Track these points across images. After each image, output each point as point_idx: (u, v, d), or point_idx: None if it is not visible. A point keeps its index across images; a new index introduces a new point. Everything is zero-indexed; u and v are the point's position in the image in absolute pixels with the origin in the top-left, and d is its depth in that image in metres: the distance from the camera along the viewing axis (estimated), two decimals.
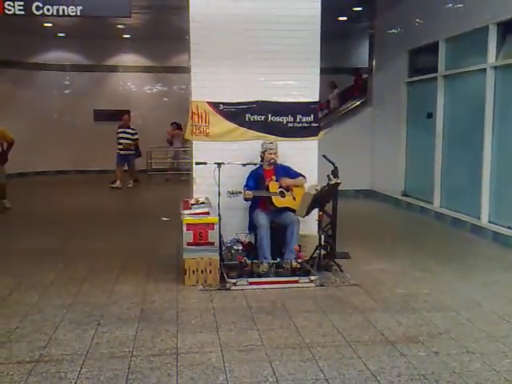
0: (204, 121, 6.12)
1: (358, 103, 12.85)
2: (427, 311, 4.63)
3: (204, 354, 3.77)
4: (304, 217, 5.63)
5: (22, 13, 5.38)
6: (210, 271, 5.34)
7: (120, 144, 12.99)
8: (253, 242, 5.94)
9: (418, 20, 9.68)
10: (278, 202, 5.75)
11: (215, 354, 3.75)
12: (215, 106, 6.12)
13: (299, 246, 5.72)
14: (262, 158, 5.94)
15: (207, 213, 5.47)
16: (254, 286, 5.20)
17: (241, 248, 5.79)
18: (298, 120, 6.27)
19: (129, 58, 16.56)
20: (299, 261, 5.55)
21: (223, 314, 4.54)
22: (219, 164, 5.65)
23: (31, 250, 6.78)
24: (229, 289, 5.16)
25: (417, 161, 10.00)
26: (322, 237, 5.80)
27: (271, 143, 5.94)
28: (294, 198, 5.81)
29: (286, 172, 5.94)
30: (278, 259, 5.56)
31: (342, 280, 5.51)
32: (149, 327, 4.26)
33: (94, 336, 4.08)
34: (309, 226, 6.09)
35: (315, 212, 5.84)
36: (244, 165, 5.81)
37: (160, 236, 7.53)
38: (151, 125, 15.68)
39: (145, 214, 9.51)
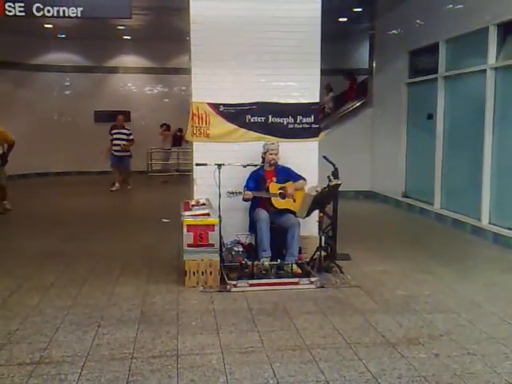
0: (204, 122, 6.13)
1: (358, 104, 12.84)
2: (428, 313, 4.63)
3: (204, 355, 3.77)
4: (304, 218, 5.63)
5: (23, 14, 5.39)
6: (211, 273, 5.34)
7: (117, 145, 12.81)
8: (253, 243, 5.94)
9: (418, 21, 9.68)
10: (278, 203, 5.75)
11: (216, 356, 3.75)
12: (216, 107, 6.13)
13: (300, 248, 5.72)
14: (264, 159, 5.94)
15: (207, 214, 5.47)
16: (255, 288, 5.19)
17: (241, 249, 5.79)
18: (298, 121, 6.27)
19: (129, 59, 16.58)
20: (299, 262, 5.55)
21: (224, 316, 4.54)
22: (219, 165, 5.65)
23: (31, 251, 6.78)
24: (229, 290, 5.16)
25: (417, 162, 9.99)
26: (323, 238, 5.80)
27: (273, 144, 5.94)
28: (294, 200, 5.80)
29: (286, 173, 5.94)
30: (279, 260, 5.56)
31: (342, 281, 5.50)
32: (149, 329, 4.26)
33: (95, 338, 4.08)
34: (309, 227, 6.09)
35: (315, 213, 5.84)
36: (244, 166, 5.81)
37: (160, 237, 7.52)
38: (152, 126, 15.67)
39: (145, 215, 9.51)
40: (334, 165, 6.00)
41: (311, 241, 6.01)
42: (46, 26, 13.36)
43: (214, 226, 5.37)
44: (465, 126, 8.38)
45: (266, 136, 6.19)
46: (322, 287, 5.28)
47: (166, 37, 13.90)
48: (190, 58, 6.19)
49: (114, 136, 12.91)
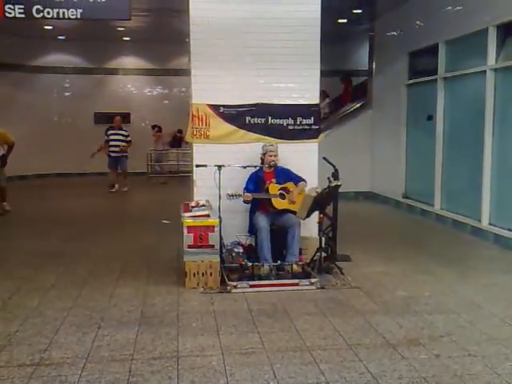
0: (204, 123, 6.13)
1: (358, 106, 12.84)
2: (428, 314, 4.62)
3: (205, 357, 3.77)
4: (304, 219, 5.63)
5: (23, 16, 5.38)
6: (211, 274, 5.33)
7: (115, 146, 12.74)
8: (253, 244, 5.94)
9: (418, 22, 9.69)
10: (278, 204, 5.75)
11: (216, 357, 3.75)
12: (215, 108, 6.13)
13: (300, 249, 5.71)
14: (263, 160, 5.94)
15: (208, 215, 5.46)
16: (255, 289, 5.19)
17: (241, 250, 5.79)
18: (298, 122, 6.27)
19: (129, 61, 16.58)
20: (300, 263, 5.55)
21: (224, 317, 4.54)
22: (219, 166, 5.65)
23: (31, 252, 6.78)
24: (229, 291, 5.16)
25: (417, 163, 9.99)
26: (323, 239, 5.79)
27: (272, 145, 5.94)
28: (294, 202, 5.80)
29: (286, 175, 5.94)
30: (279, 261, 5.55)
31: (342, 282, 5.50)
32: (149, 330, 4.25)
33: (95, 339, 4.07)
34: (309, 228, 6.09)
35: (316, 214, 5.84)
36: (244, 167, 5.82)
37: (160, 238, 7.52)
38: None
39: (144, 216, 9.50)
40: (334, 166, 6.00)
41: (311, 242, 6.01)
42: (46, 27, 13.35)
43: (214, 227, 5.37)
44: (465, 127, 8.39)
45: (266, 137, 6.19)
46: (323, 288, 5.28)
47: (166, 38, 13.89)
48: (189, 60, 6.19)
49: (111, 137, 12.81)
